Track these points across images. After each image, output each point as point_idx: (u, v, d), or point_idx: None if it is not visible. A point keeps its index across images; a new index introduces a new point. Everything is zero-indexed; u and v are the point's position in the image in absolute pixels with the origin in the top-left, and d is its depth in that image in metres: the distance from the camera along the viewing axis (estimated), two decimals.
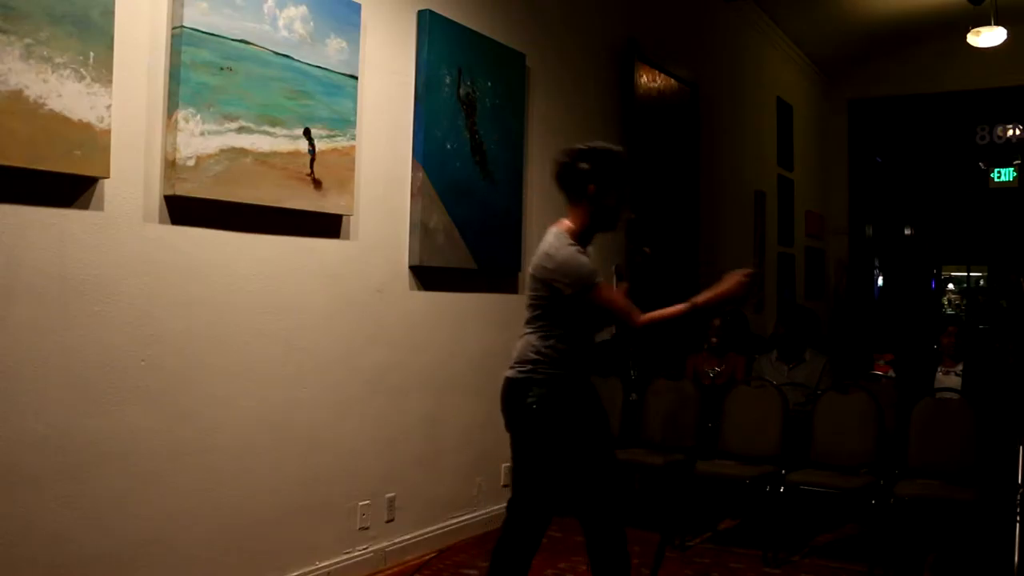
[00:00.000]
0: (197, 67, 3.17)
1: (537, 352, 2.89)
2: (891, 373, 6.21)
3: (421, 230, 4.25)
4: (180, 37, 3.13)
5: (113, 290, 2.99)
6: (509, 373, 2.95)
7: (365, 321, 4.02)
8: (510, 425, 2.97)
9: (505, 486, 4.92)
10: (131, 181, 3.04)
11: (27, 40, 2.65)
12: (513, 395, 2.93)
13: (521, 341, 2.96)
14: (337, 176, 3.77)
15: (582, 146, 2.93)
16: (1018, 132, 11.96)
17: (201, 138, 3.18)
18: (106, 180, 2.93)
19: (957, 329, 5.44)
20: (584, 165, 2.88)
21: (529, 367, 2.89)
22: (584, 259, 2.84)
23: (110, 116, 2.88)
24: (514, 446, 2.99)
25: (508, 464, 4.89)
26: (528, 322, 2.96)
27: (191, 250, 3.25)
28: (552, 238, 2.90)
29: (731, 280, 2.80)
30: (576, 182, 2.89)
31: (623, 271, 3.19)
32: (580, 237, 2.91)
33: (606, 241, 3.28)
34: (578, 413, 2.93)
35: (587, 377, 3.01)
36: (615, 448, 3.12)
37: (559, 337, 2.88)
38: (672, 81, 6.88)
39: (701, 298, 2.81)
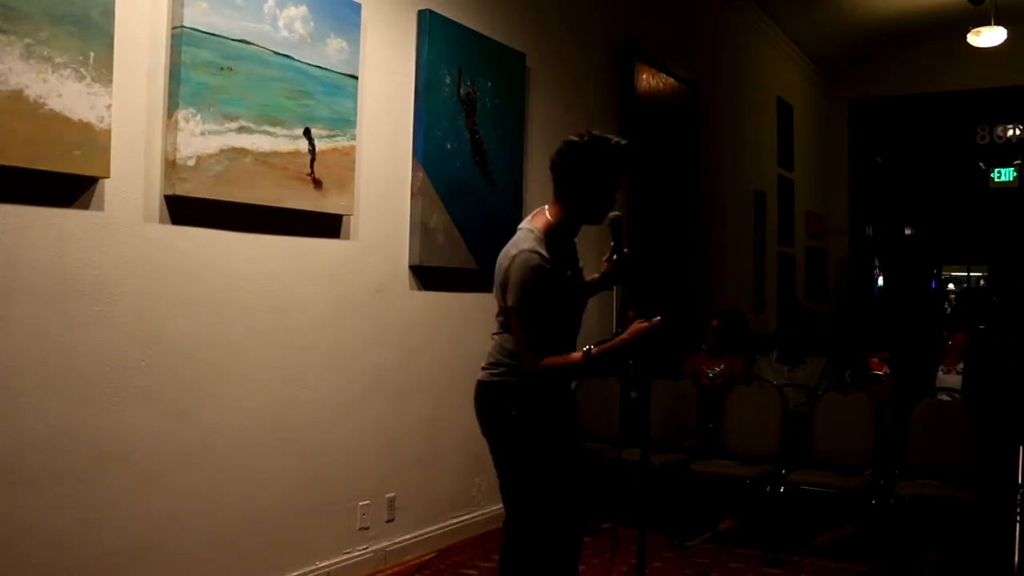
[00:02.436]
0: (197, 67, 3.17)
1: (511, 355, 2.72)
2: (886, 370, 6.21)
3: (421, 230, 4.24)
4: (180, 37, 3.13)
5: (113, 290, 2.98)
6: (482, 376, 2.79)
7: (365, 321, 4.02)
8: (488, 432, 2.80)
9: None
10: (131, 181, 3.04)
11: (27, 40, 2.65)
12: (489, 401, 2.78)
13: (493, 342, 2.82)
14: (337, 176, 3.77)
15: (585, 134, 2.71)
16: (1018, 132, 11.97)
17: (201, 138, 3.18)
18: (106, 180, 2.93)
19: (966, 329, 5.43)
20: (586, 156, 2.67)
21: (503, 370, 2.74)
22: (534, 276, 2.61)
23: (110, 116, 2.88)
24: (496, 456, 2.81)
25: None
26: (500, 323, 2.80)
27: (191, 250, 3.25)
28: (521, 236, 2.72)
29: (632, 328, 2.66)
30: (573, 173, 2.68)
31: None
32: (556, 231, 2.73)
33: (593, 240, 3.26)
34: (557, 417, 2.78)
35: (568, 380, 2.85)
36: (616, 448, 3.02)
37: None
38: (672, 81, 6.88)
39: (597, 348, 2.66)
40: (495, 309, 2.84)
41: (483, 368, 2.81)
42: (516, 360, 2.70)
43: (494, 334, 2.83)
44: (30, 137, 2.66)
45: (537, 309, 2.64)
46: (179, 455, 3.20)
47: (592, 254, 3.13)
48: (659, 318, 2.67)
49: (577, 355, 2.65)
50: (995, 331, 8.60)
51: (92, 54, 2.81)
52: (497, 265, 2.76)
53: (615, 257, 2.85)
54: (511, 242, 2.74)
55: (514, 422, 2.73)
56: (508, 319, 2.72)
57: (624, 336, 2.66)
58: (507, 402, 2.73)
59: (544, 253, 2.65)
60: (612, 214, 2.78)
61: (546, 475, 2.74)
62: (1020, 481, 4.24)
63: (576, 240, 2.86)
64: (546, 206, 2.79)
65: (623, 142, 2.71)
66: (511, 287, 2.65)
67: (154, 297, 3.12)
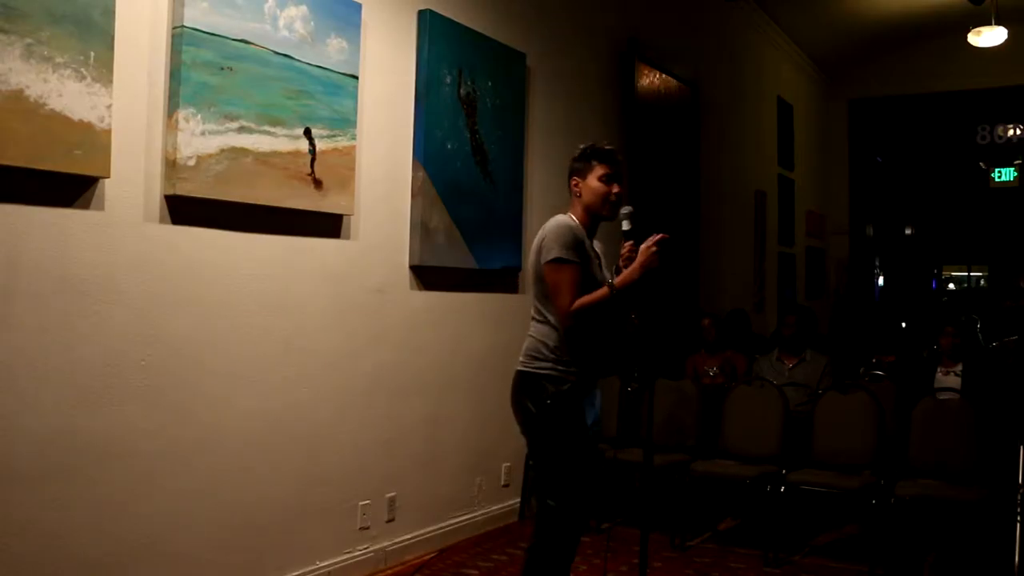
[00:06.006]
0: (198, 67, 3.17)
1: (551, 348, 2.86)
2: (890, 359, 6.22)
3: (422, 230, 4.24)
4: (181, 37, 3.13)
5: (113, 290, 2.98)
6: (521, 366, 2.91)
7: (365, 321, 4.02)
8: (524, 421, 2.90)
9: (505, 486, 4.93)
10: (131, 181, 3.04)
11: (28, 40, 2.65)
12: (527, 389, 2.87)
13: (530, 338, 2.93)
14: (338, 176, 3.77)
15: (581, 147, 3.07)
16: (1018, 132, 11.96)
17: (202, 138, 3.18)
18: (106, 180, 2.93)
19: (954, 330, 5.44)
20: (574, 164, 3.06)
21: (545, 363, 2.85)
22: (571, 236, 2.85)
23: (111, 116, 2.88)
24: (531, 447, 2.92)
25: (508, 464, 4.93)
26: (537, 314, 2.93)
27: (191, 250, 3.25)
28: (554, 217, 2.98)
29: (642, 252, 2.85)
30: (568, 179, 3.07)
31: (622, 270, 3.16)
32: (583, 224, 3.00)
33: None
34: (585, 412, 2.89)
35: (598, 373, 2.97)
36: (615, 447, 3.08)
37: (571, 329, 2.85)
38: (672, 81, 6.88)
39: (618, 280, 2.85)
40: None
41: (521, 360, 2.93)
42: (555, 353, 2.85)
43: (534, 324, 2.96)
44: (30, 137, 2.66)
45: (573, 261, 2.83)
46: (179, 455, 3.20)
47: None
48: (664, 235, 2.86)
49: (603, 290, 2.82)
50: (995, 329, 8.59)
51: (92, 54, 2.81)
52: (532, 254, 2.96)
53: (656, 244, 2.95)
54: (548, 223, 2.95)
55: (550, 410, 2.84)
56: (546, 292, 2.87)
57: (637, 262, 2.83)
58: (544, 393, 2.85)
59: (576, 225, 2.92)
60: (624, 210, 3.00)
61: (574, 465, 2.86)
62: (1020, 481, 4.24)
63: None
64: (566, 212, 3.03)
65: (604, 145, 3.05)
66: (546, 248, 2.86)
67: (154, 297, 3.12)
